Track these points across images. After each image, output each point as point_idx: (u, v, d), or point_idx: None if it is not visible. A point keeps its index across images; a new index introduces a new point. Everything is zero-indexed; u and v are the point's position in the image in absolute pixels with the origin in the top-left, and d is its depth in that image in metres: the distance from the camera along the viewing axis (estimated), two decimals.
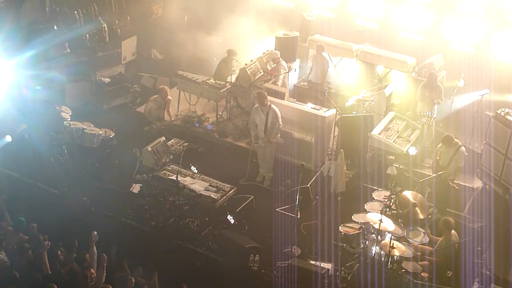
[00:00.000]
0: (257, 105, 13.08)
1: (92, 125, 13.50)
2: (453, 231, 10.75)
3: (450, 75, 15.24)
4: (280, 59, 15.35)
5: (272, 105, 13.06)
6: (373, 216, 10.73)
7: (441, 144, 12.52)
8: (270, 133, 13.06)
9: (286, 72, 15.26)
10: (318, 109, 13.84)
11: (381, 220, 10.37)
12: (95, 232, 9.99)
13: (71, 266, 9.87)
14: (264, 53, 15.78)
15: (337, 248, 11.21)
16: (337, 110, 13.88)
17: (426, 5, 15.90)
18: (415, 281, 10.33)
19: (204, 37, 17.83)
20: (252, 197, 12.56)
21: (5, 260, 9.74)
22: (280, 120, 13.04)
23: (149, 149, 12.74)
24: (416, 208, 11.11)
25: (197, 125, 15.08)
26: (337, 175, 13.03)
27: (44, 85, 14.47)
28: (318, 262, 10.76)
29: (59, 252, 10.18)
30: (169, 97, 14.17)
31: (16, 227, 10.73)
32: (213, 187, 12.16)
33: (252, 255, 11.03)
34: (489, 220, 11.82)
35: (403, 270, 10.45)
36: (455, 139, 12.33)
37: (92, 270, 9.44)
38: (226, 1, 16.88)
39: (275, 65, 15.35)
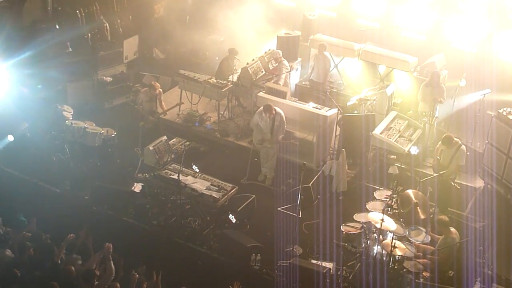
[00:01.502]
0: (261, 109, 13.03)
1: (94, 124, 13.52)
2: (452, 229, 10.75)
3: (452, 74, 15.21)
4: (282, 58, 15.35)
5: (277, 109, 13.04)
6: (375, 216, 10.73)
7: (440, 143, 12.51)
8: (276, 135, 13.07)
9: (288, 72, 15.25)
10: (319, 109, 13.83)
11: (382, 220, 10.36)
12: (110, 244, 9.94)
13: (70, 266, 9.85)
14: (266, 52, 15.79)
15: (338, 248, 11.20)
16: (338, 110, 13.86)
17: (428, 5, 15.88)
18: (416, 280, 10.33)
19: (206, 36, 17.84)
20: (254, 196, 12.54)
21: (12, 256, 9.77)
22: (285, 122, 13.09)
23: (151, 148, 12.75)
24: (418, 207, 11.10)
25: (197, 124, 15.08)
26: (339, 175, 13.02)
27: (46, 84, 14.48)
28: (319, 262, 10.75)
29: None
30: (159, 89, 14.11)
31: (17, 226, 10.72)
32: (215, 186, 12.15)
33: (253, 254, 11.03)
34: (491, 220, 11.79)
35: (404, 270, 10.45)
36: (455, 139, 12.30)
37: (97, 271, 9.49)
38: (228, 0, 16.85)
39: (277, 64, 15.35)
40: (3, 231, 10.51)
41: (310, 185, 12.64)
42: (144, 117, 13.90)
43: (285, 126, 13.14)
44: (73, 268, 9.54)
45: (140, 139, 13.38)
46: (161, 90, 14.20)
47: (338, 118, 13.84)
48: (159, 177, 12.33)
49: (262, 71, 15.28)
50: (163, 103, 14.28)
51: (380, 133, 13.64)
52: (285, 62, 15.35)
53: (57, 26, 15.13)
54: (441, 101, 13.91)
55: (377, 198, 11.70)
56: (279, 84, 14.86)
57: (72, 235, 9.96)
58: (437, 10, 15.78)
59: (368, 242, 10.81)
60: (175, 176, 11.84)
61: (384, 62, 15.38)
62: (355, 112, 14.00)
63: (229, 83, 14.93)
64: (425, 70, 14.89)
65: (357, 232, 11.04)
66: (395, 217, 11.16)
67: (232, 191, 12.20)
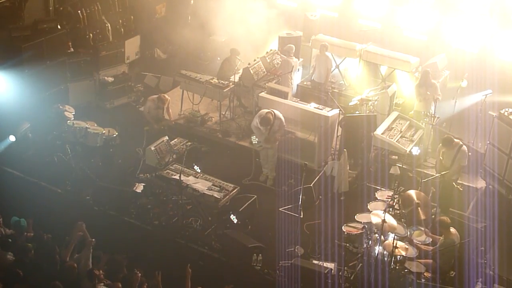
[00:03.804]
0: (259, 118, 13.01)
1: (96, 125, 13.53)
2: (453, 230, 10.74)
3: (454, 75, 15.23)
4: (292, 56, 15.32)
5: (277, 114, 13.00)
6: (376, 216, 10.72)
7: (441, 144, 12.51)
8: (272, 136, 13.05)
9: (289, 72, 15.23)
10: (321, 109, 13.82)
11: (384, 220, 10.36)
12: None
13: (73, 263, 9.87)
14: (267, 52, 15.80)
15: (340, 248, 11.21)
16: (340, 110, 13.87)
17: (430, 5, 15.88)
18: (418, 281, 10.33)
19: (208, 37, 17.84)
20: (255, 196, 12.57)
21: (12, 259, 9.79)
22: (285, 124, 13.10)
23: (152, 148, 12.76)
24: (419, 208, 11.10)
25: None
26: (340, 175, 13.02)
27: (47, 85, 14.48)
28: (321, 262, 10.75)
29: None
30: (168, 101, 14.12)
31: (17, 228, 10.73)
32: (216, 186, 12.14)
33: (255, 254, 11.03)
34: (492, 220, 11.79)
35: (406, 270, 10.45)
36: (455, 140, 12.28)
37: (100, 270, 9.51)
38: (229, 0, 16.87)
39: (284, 58, 15.32)
40: (5, 232, 10.54)
41: (311, 185, 12.64)
42: (150, 123, 13.91)
43: (285, 128, 13.17)
44: (75, 264, 9.58)
45: (144, 142, 13.37)
46: (169, 98, 14.22)
47: (340, 119, 13.84)
48: (161, 177, 12.32)
49: (264, 72, 15.28)
50: (170, 110, 14.28)
51: (382, 134, 13.64)
52: (294, 60, 15.34)
53: (59, 26, 15.09)
54: (438, 98, 13.88)
55: (378, 198, 11.71)
56: (290, 77, 14.87)
57: (80, 233, 10.01)
58: (438, 11, 15.78)
59: (370, 242, 10.81)
60: (177, 176, 11.83)
61: (385, 62, 15.38)
62: (357, 112, 13.99)
63: (231, 84, 14.93)
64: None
65: (358, 232, 11.05)
66: (397, 217, 11.16)
67: (233, 191, 12.19)
